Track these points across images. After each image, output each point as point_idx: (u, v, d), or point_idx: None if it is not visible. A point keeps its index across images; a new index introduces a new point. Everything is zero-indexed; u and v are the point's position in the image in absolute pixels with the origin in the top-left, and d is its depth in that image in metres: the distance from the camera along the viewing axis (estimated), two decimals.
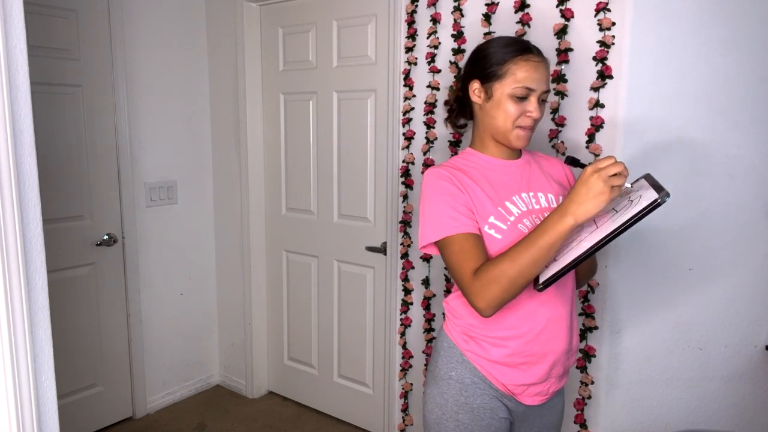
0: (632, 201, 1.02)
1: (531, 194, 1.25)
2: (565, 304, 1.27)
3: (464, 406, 1.28)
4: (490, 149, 1.29)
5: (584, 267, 1.34)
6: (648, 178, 1.10)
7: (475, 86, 1.26)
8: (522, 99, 1.20)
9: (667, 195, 0.95)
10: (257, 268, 2.84)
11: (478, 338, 1.27)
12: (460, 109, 1.37)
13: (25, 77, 0.82)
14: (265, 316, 2.92)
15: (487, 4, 1.89)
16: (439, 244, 1.22)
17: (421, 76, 2.10)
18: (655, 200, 0.95)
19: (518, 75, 1.20)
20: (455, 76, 2.00)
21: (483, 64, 1.25)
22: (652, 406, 1.75)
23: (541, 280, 1.08)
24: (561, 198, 1.28)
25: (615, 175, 1.01)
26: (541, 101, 1.23)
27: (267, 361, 2.95)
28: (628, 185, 1.08)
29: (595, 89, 1.68)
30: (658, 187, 0.99)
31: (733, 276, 1.64)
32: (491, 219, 1.20)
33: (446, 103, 1.42)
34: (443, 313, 1.41)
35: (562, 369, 1.31)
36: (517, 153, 1.31)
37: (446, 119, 1.42)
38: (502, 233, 1.19)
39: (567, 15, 1.71)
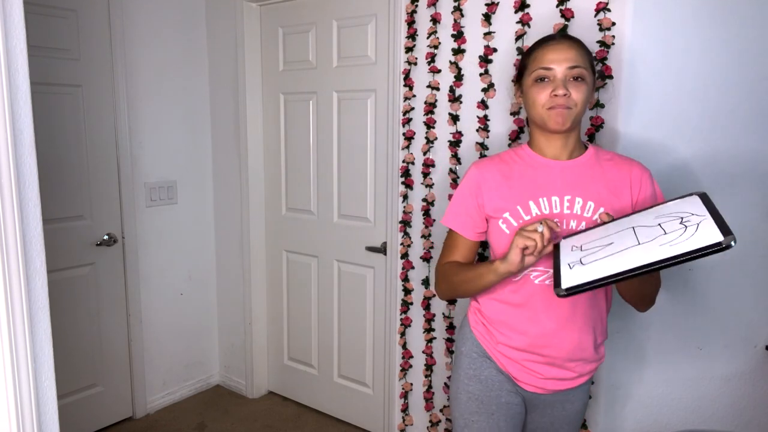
0: (686, 227, 0.93)
1: (567, 198, 1.24)
2: (575, 310, 1.26)
3: (473, 378, 1.36)
4: (539, 145, 1.30)
5: (634, 288, 1.23)
6: (705, 199, 1.00)
7: (516, 90, 1.34)
8: (543, 80, 1.22)
9: (734, 240, 0.84)
10: (257, 268, 2.84)
11: (486, 323, 1.36)
12: None
13: (25, 77, 0.82)
14: (265, 316, 2.92)
15: (487, 4, 1.89)
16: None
17: (421, 76, 2.10)
18: (719, 244, 0.84)
19: (536, 60, 1.23)
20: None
21: (518, 67, 1.33)
22: (652, 406, 1.75)
23: (565, 285, 0.99)
24: (604, 208, 1.23)
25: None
26: (573, 79, 1.20)
27: (267, 361, 2.95)
28: (671, 203, 1.02)
29: (595, 89, 1.68)
30: (723, 227, 0.88)
31: (733, 276, 1.63)
32: (506, 215, 1.27)
33: (512, 114, 1.57)
34: None
35: (570, 373, 1.30)
36: (573, 152, 1.29)
37: (524, 123, 1.50)
38: (511, 230, 1.26)
39: (567, 15, 1.71)
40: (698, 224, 0.92)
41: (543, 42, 1.26)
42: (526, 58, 1.29)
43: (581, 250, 1.07)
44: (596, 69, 1.26)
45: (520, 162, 1.31)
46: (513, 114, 1.89)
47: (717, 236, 0.86)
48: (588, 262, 1.01)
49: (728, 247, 0.83)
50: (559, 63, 1.20)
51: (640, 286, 1.21)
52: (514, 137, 1.89)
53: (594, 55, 1.67)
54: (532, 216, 1.25)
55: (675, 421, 1.73)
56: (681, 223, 0.96)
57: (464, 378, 1.38)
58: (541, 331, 1.27)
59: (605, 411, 1.78)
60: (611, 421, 1.79)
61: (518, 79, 1.33)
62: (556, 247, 1.14)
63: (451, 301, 2.12)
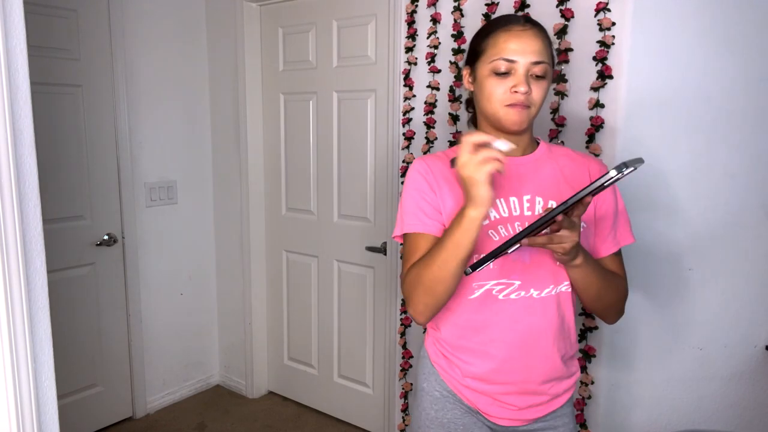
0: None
1: (526, 198, 1.11)
2: (545, 325, 1.12)
3: (434, 421, 1.19)
4: None
5: (593, 286, 1.10)
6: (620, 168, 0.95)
7: (466, 72, 1.15)
8: (505, 74, 1.04)
9: (626, 166, 0.81)
10: (257, 268, 2.84)
11: (447, 353, 1.19)
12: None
13: (25, 77, 0.82)
14: (265, 316, 2.92)
15: (487, 4, 1.89)
16: (403, 237, 1.18)
17: (421, 76, 2.10)
18: (620, 167, 0.82)
19: (497, 47, 1.05)
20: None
21: (470, 45, 1.14)
22: (652, 406, 1.75)
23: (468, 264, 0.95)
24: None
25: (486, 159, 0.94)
26: (536, 77, 1.05)
27: (267, 361, 2.95)
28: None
29: (595, 89, 1.68)
30: (623, 164, 0.85)
31: (734, 276, 1.63)
32: None
33: (466, 102, 1.26)
34: None
35: (543, 397, 1.16)
36: (526, 148, 1.16)
37: (469, 120, 1.26)
38: None
39: (567, 15, 1.71)
40: (609, 175, 0.87)
41: (504, 25, 1.07)
42: (482, 41, 1.09)
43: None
44: (555, 62, 1.12)
45: None
46: (467, 104, 1.90)
47: (613, 171, 0.83)
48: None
49: (625, 167, 0.81)
50: (523, 55, 1.03)
51: (599, 291, 1.10)
52: None
53: (594, 55, 1.67)
54: (488, 221, 1.09)
55: (675, 421, 1.73)
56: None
57: (425, 421, 1.21)
58: (507, 353, 1.12)
59: (605, 411, 1.78)
60: (611, 421, 1.79)
61: (470, 61, 1.13)
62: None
63: None
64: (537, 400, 1.16)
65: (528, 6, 1.80)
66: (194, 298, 2.91)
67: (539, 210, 1.11)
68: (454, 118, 2.03)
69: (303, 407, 2.82)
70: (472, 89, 1.14)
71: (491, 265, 1.04)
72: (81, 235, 2.44)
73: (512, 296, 1.10)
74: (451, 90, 2.02)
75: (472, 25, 1.94)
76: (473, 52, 1.12)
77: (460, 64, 1.99)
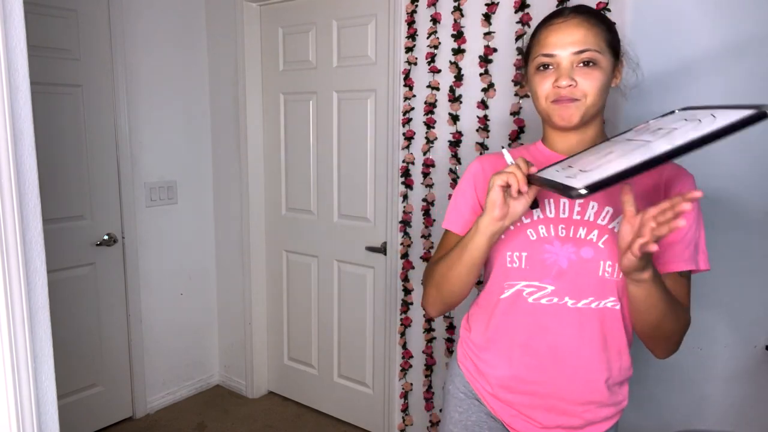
0: (699, 120, 0.79)
1: (579, 200, 1.03)
2: (581, 340, 1.02)
3: (459, 424, 1.17)
4: (553, 141, 1.11)
5: (655, 310, 0.95)
6: (691, 108, 0.87)
7: (523, 78, 1.21)
8: (545, 68, 1.02)
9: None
10: (257, 268, 2.84)
11: (473, 356, 1.16)
12: None
13: (25, 77, 0.82)
14: (265, 316, 2.91)
15: (487, 4, 1.89)
16: None
17: (421, 76, 2.10)
18: (761, 112, 0.70)
19: (538, 44, 1.04)
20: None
21: (524, 51, 1.13)
22: (652, 406, 1.75)
23: (580, 184, 0.77)
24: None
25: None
26: (584, 64, 0.99)
27: (267, 361, 2.95)
28: (652, 121, 0.89)
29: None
30: (743, 106, 0.75)
31: (734, 276, 1.63)
32: None
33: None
34: None
35: (576, 420, 1.06)
36: (590, 144, 1.07)
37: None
38: (507, 234, 1.06)
39: None
40: (711, 114, 0.78)
41: (547, 20, 1.05)
42: (530, 41, 1.09)
43: (571, 168, 0.88)
44: (621, 47, 1.06)
45: (529, 157, 1.12)
46: (513, 114, 1.89)
47: (747, 111, 0.71)
48: (592, 168, 0.81)
49: (766, 115, 0.70)
50: (563, 47, 0.99)
51: (660, 319, 0.96)
52: (515, 137, 1.88)
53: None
54: (533, 219, 1.05)
55: (675, 421, 1.73)
56: (687, 120, 0.81)
57: (449, 423, 1.19)
58: (533, 361, 1.05)
59: None
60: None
61: (524, 64, 1.12)
62: (535, 179, 0.92)
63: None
64: (567, 422, 1.07)
65: (528, 6, 1.80)
66: (194, 298, 2.91)
67: (590, 215, 1.02)
68: (454, 118, 2.03)
69: (303, 407, 2.82)
70: (527, 92, 1.15)
71: (539, 213, 1.03)
72: (81, 235, 2.44)
73: (543, 301, 1.04)
74: (451, 90, 2.02)
75: (472, 25, 1.94)
76: (524, 55, 1.11)
77: (461, 63, 1.99)
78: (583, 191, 0.75)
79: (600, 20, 1.02)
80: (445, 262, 1.07)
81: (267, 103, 2.75)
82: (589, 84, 0.99)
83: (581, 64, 0.99)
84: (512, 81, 1.89)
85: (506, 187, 0.93)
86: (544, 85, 1.02)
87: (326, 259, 2.62)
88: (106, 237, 2.51)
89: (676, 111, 0.93)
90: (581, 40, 0.99)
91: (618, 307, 1.02)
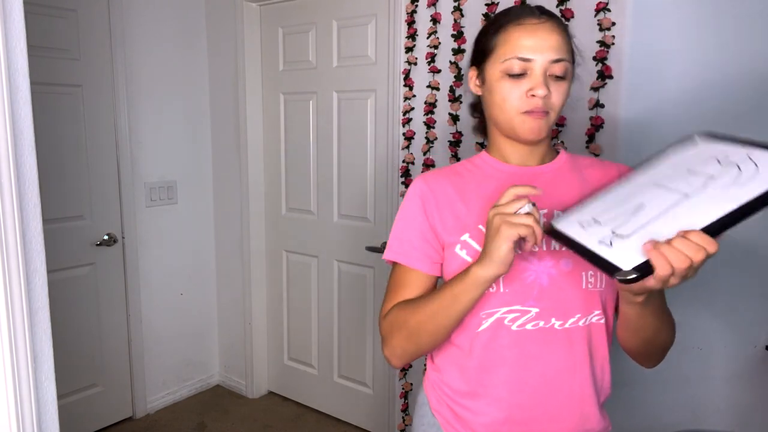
0: (737, 165, 0.72)
1: (542, 212, 0.94)
2: (571, 363, 0.93)
3: None
4: (502, 151, 1.00)
5: (649, 328, 0.91)
6: (713, 137, 0.81)
7: (472, 74, 1.00)
8: (519, 76, 0.90)
9: None
10: (257, 268, 2.84)
11: (451, 402, 1.00)
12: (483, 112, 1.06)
13: (25, 77, 0.82)
14: (265, 316, 2.91)
15: (487, 4, 1.89)
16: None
17: (421, 76, 2.10)
18: None
19: (509, 44, 0.90)
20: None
21: (476, 44, 0.99)
22: (652, 406, 1.75)
23: (628, 266, 0.69)
24: None
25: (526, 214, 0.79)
26: (555, 77, 0.90)
27: (267, 361, 2.95)
28: (671, 153, 0.81)
29: (595, 89, 1.68)
30: None
31: (734, 276, 1.63)
32: (465, 237, 0.95)
33: (471, 106, 1.10)
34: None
35: None
36: (544, 156, 1.01)
37: (474, 127, 1.12)
38: (475, 256, 0.92)
39: (567, 15, 1.71)
40: (749, 157, 0.71)
41: (516, 18, 0.92)
42: (492, 38, 0.94)
43: (598, 223, 0.78)
44: (576, 60, 0.98)
45: (478, 172, 1.01)
46: (471, 108, 1.89)
47: None
48: (628, 233, 0.73)
49: None
50: (540, 52, 0.88)
51: (653, 334, 0.93)
52: None
53: (594, 55, 1.67)
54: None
55: (675, 421, 1.73)
56: (721, 163, 0.74)
57: None
58: (524, 398, 0.93)
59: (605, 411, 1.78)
60: (611, 421, 1.78)
61: (477, 61, 0.98)
62: (559, 237, 0.83)
63: None
64: None
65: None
66: (194, 298, 2.91)
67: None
68: (454, 118, 2.03)
69: (303, 407, 2.82)
70: (479, 93, 1.00)
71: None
72: (81, 235, 2.44)
73: (528, 326, 0.92)
74: (451, 90, 2.02)
75: (472, 25, 1.94)
76: (481, 51, 0.97)
77: (461, 63, 1.99)
78: (633, 275, 0.68)
79: (566, 27, 0.94)
80: (422, 310, 0.91)
81: (267, 103, 2.75)
82: (559, 98, 0.91)
83: (554, 76, 0.90)
84: (451, 86, 1.86)
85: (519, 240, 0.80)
86: (514, 93, 0.91)
87: (326, 259, 2.62)
88: (106, 237, 2.51)
89: (696, 138, 0.85)
90: (558, 48, 0.89)
91: (603, 321, 0.95)
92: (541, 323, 0.92)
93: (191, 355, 2.94)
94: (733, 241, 1.64)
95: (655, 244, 0.69)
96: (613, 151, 1.66)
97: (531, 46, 0.89)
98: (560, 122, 1.76)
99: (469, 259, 0.93)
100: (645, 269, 0.67)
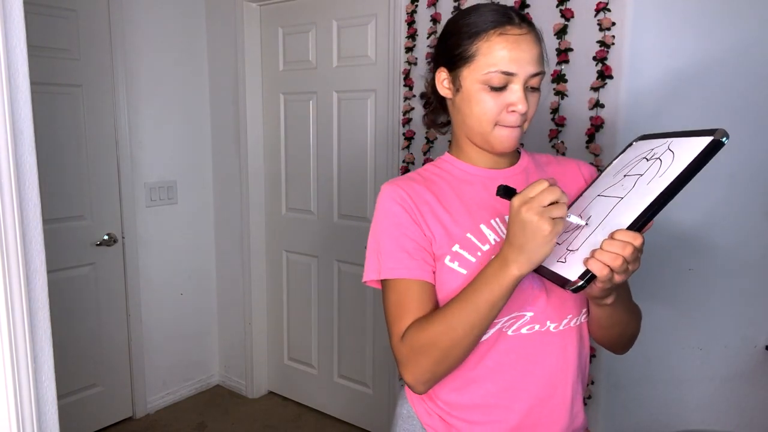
0: (659, 159, 0.77)
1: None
2: (565, 365, 0.92)
3: None
4: (469, 155, 0.97)
5: (619, 324, 0.93)
6: (649, 136, 0.86)
7: (442, 76, 0.95)
8: (500, 89, 0.87)
9: (726, 134, 0.72)
10: (257, 268, 2.84)
11: (445, 415, 0.95)
12: (440, 104, 1.02)
13: (25, 77, 0.82)
14: (265, 316, 2.91)
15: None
16: (382, 284, 0.95)
17: (421, 76, 2.10)
18: (714, 141, 0.71)
19: (492, 56, 0.86)
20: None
21: (448, 44, 0.92)
22: (652, 406, 1.75)
23: (575, 276, 0.74)
24: None
25: (552, 204, 0.74)
26: (531, 89, 0.88)
27: (267, 361, 2.95)
28: (616, 161, 0.87)
29: (595, 89, 1.68)
30: (700, 132, 0.75)
31: (734, 276, 1.63)
32: (456, 248, 0.90)
33: (422, 96, 1.06)
34: None
35: None
36: (509, 158, 0.99)
37: (424, 117, 1.08)
38: (470, 267, 0.88)
39: (567, 15, 1.71)
40: (668, 148, 0.77)
41: (496, 25, 0.86)
42: (471, 43, 0.88)
43: (557, 244, 0.82)
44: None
45: (449, 177, 0.97)
46: (422, 97, 1.85)
47: (703, 140, 0.72)
48: (577, 247, 0.78)
49: (721, 143, 0.71)
50: (523, 66, 0.85)
51: (623, 329, 0.94)
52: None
53: (594, 55, 1.67)
54: (491, 245, 0.89)
55: (675, 421, 1.73)
56: (648, 159, 0.79)
57: None
58: (527, 406, 0.90)
59: (605, 411, 1.78)
60: (611, 421, 1.79)
61: (450, 64, 0.92)
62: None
63: None
64: None
65: (528, 6, 1.79)
66: (194, 298, 2.91)
67: None
68: None
69: (303, 407, 2.82)
70: (449, 96, 0.95)
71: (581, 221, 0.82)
72: (81, 235, 2.44)
73: (523, 330, 0.89)
74: (427, 80, 2.02)
75: None
76: (457, 56, 0.90)
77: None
78: (579, 284, 0.73)
79: (541, 36, 0.91)
80: (457, 325, 0.82)
81: (267, 103, 2.75)
82: (532, 109, 0.89)
83: (530, 88, 0.88)
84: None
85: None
86: (495, 108, 0.87)
87: (326, 259, 2.62)
88: (106, 237, 2.51)
89: (634, 143, 0.91)
90: (538, 60, 0.87)
91: (586, 317, 0.96)
92: (537, 326, 0.90)
93: (191, 355, 2.94)
94: (733, 242, 1.64)
95: (592, 251, 0.73)
96: (613, 151, 1.66)
97: (515, 59, 0.85)
98: (560, 122, 1.76)
99: (463, 271, 0.88)
100: (588, 276, 0.73)
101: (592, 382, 1.77)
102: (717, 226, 1.64)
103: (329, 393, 2.71)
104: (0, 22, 0.76)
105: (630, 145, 0.91)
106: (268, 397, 2.95)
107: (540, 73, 0.88)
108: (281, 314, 2.85)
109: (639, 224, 0.72)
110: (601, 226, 0.77)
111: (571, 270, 0.75)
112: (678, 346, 1.71)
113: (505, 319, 0.89)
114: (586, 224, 0.80)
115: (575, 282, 0.73)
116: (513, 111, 0.87)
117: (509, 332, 0.89)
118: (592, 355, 1.76)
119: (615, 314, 0.89)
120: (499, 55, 0.85)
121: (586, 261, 0.74)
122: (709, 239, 1.66)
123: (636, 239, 0.71)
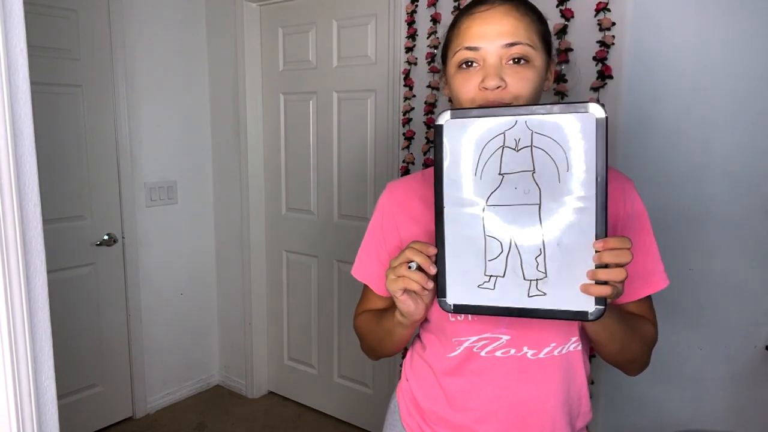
0: (543, 150, 0.70)
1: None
2: (545, 396, 0.88)
3: None
4: None
5: (615, 341, 0.85)
6: (461, 114, 0.73)
7: (441, 78, 0.95)
8: (469, 66, 0.83)
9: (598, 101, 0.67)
10: (257, 269, 2.84)
11: (420, 421, 0.96)
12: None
13: (25, 77, 0.82)
14: (265, 316, 2.91)
15: None
16: None
17: (421, 76, 2.10)
18: (599, 120, 0.67)
19: (458, 37, 0.85)
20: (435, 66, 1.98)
21: (442, 45, 0.93)
22: (652, 406, 1.75)
23: (452, 300, 0.75)
24: None
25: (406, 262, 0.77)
26: (514, 61, 0.81)
27: (267, 361, 2.95)
28: (448, 161, 0.74)
29: (595, 89, 1.68)
30: (547, 107, 0.69)
31: (733, 276, 1.63)
32: None
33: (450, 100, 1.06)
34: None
35: None
36: None
37: None
38: None
39: (567, 15, 1.71)
40: (533, 132, 0.70)
41: (469, 9, 0.85)
42: (449, 33, 0.89)
43: (499, 276, 0.77)
44: (552, 44, 0.89)
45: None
46: None
47: (582, 117, 0.68)
48: (547, 273, 0.74)
49: (605, 120, 0.68)
50: (490, 39, 0.81)
51: (622, 345, 0.86)
52: None
53: (594, 55, 1.67)
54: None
55: (675, 421, 1.73)
56: (516, 150, 0.72)
57: None
58: (494, 428, 0.88)
59: (605, 411, 1.78)
60: (611, 421, 1.78)
61: (442, 62, 0.93)
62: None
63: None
64: None
65: None
66: (194, 297, 2.91)
67: None
68: None
69: (303, 407, 2.82)
70: (447, 94, 0.93)
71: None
72: (81, 235, 2.44)
73: (498, 353, 0.86)
74: None
75: None
76: (443, 54, 0.91)
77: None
78: (600, 310, 0.70)
79: (531, 9, 0.84)
80: (371, 332, 0.97)
81: (267, 103, 2.75)
82: (521, 86, 0.81)
83: (511, 61, 0.81)
84: (427, 86, 1.75)
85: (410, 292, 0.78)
86: (468, 87, 0.83)
87: (326, 259, 2.62)
88: (106, 237, 2.51)
89: (444, 124, 0.79)
90: (511, 32, 0.80)
91: (580, 347, 0.89)
92: (512, 351, 0.86)
93: (191, 355, 2.94)
94: (733, 241, 1.64)
95: (591, 274, 0.69)
96: (613, 151, 1.66)
97: (478, 34, 0.81)
98: None
99: None
100: (603, 299, 0.70)
101: (592, 382, 1.77)
102: (717, 225, 1.64)
103: (329, 393, 2.71)
104: (0, 22, 0.76)
105: (439, 131, 0.74)
106: (268, 397, 2.95)
107: (518, 44, 0.81)
108: (281, 314, 2.85)
109: (604, 227, 0.68)
110: (558, 242, 0.70)
111: (567, 300, 0.71)
112: (678, 346, 1.71)
113: (474, 338, 0.87)
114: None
115: (597, 311, 0.70)
116: (483, 88, 0.81)
117: (482, 353, 0.87)
118: (592, 355, 1.76)
119: (609, 329, 0.83)
120: (465, 32, 0.84)
121: (587, 288, 0.69)
122: (708, 239, 1.66)
123: (624, 242, 0.68)
